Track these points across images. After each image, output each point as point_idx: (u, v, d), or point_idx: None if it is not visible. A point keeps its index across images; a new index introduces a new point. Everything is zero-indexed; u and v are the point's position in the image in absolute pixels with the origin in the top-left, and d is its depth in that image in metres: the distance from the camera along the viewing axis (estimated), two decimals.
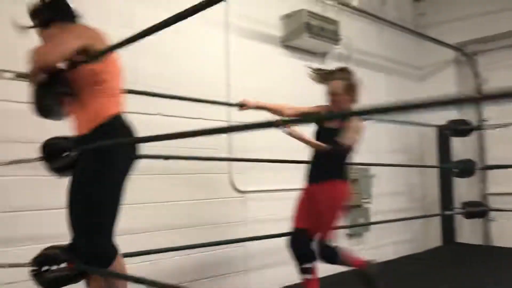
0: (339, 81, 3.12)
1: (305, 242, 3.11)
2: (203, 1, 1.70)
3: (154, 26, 2.00)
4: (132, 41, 2.15)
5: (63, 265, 2.30)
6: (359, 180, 5.03)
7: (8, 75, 2.58)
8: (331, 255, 3.18)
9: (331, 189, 3.08)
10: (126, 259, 2.97)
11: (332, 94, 3.13)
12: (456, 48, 6.15)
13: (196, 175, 3.77)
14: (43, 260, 2.34)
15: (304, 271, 3.07)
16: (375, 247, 5.44)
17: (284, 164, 3.94)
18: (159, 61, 3.59)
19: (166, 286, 2.29)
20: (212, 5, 1.67)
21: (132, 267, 3.06)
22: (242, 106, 3.32)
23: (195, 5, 1.73)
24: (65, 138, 2.44)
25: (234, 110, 4.04)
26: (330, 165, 3.09)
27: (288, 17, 4.62)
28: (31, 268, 2.32)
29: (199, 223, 3.74)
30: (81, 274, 2.32)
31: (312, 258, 3.09)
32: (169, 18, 1.89)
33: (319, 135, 3.16)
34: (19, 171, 2.79)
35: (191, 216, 3.70)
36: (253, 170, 4.10)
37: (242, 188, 4.07)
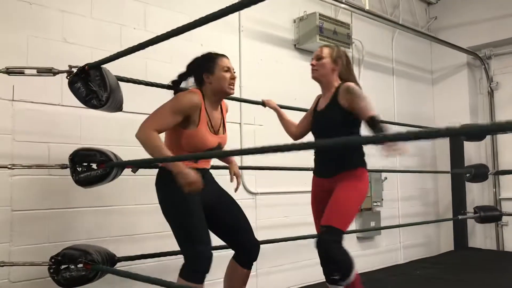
0: (326, 47, 2.90)
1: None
2: (220, 10, 1.74)
3: (169, 32, 2.04)
4: (146, 46, 2.20)
5: (80, 265, 2.35)
6: (370, 184, 5.03)
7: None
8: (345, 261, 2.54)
9: (356, 177, 2.70)
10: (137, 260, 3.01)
11: (316, 59, 2.84)
12: (469, 51, 6.12)
13: None
14: (61, 260, 2.39)
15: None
16: (386, 251, 5.43)
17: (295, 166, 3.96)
18: (171, 63, 3.62)
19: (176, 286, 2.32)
20: (229, 14, 1.70)
21: (137, 268, 3.11)
22: (264, 104, 3.33)
23: (213, 13, 1.77)
24: (99, 151, 2.51)
25: (245, 112, 4.09)
26: (353, 152, 2.74)
27: (300, 20, 4.65)
28: (49, 267, 2.38)
29: None
30: (97, 275, 2.37)
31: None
32: (186, 24, 1.92)
33: (313, 119, 2.92)
34: None
35: None
36: (264, 171, 4.12)
37: (253, 190, 4.09)
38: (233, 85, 2.56)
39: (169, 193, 2.41)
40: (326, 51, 2.85)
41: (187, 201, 2.35)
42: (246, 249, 2.61)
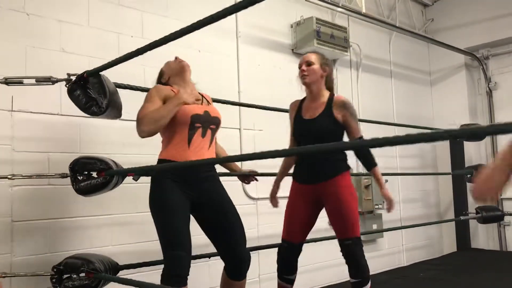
0: (313, 53, 2.93)
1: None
2: (215, 14, 1.74)
3: (166, 36, 2.04)
4: (144, 51, 2.20)
5: (82, 274, 2.34)
6: (371, 186, 5.02)
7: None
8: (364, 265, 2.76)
9: (347, 182, 2.79)
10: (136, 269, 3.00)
11: (307, 64, 2.82)
12: (466, 52, 6.14)
13: None
14: (63, 269, 2.38)
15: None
16: (389, 253, 5.41)
17: None
18: None
19: None
20: (225, 17, 1.70)
21: (139, 276, 3.10)
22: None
23: (208, 17, 1.77)
24: (99, 160, 2.51)
25: (245, 117, 4.09)
26: (338, 157, 2.81)
27: (297, 25, 4.66)
28: (51, 277, 2.37)
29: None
30: (99, 284, 2.36)
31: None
32: (182, 29, 1.93)
33: (298, 126, 2.89)
34: None
35: None
36: (266, 177, 4.10)
37: (254, 195, 4.09)
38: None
39: (155, 195, 2.43)
40: (314, 57, 2.86)
41: (170, 203, 2.36)
42: (232, 263, 2.55)
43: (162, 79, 2.68)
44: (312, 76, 2.81)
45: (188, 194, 2.42)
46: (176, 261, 2.28)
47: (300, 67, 2.87)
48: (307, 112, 2.85)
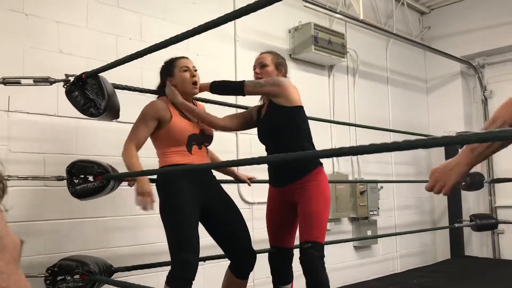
0: (268, 53, 2.80)
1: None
2: (215, 19, 1.75)
3: (166, 40, 2.05)
4: (143, 54, 2.20)
5: (76, 276, 2.33)
6: (366, 192, 5.04)
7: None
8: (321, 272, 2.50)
9: (321, 179, 2.60)
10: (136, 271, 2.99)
11: (260, 66, 2.72)
12: (462, 60, 6.18)
13: None
14: (57, 271, 2.37)
15: None
16: (383, 260, 5.42)
17: None
18: None
19: None
20: (224, 24, 1.72)
21: (134, 279, 3.09)
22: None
23: (208, 22, 1.78)
24: (96, 163, 2.51)
25: None
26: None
27: (296, 30, 4.68)
28: (45, 278, 2.35)
29: (206, 234, 3.75)
30: (94, 286, 2.35)
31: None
32: (183, 33, 1.93)
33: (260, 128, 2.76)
34: None
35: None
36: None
37: (249, 199, 4.08)
38: (196, 84, 2.59)
39: (166, 195, 2.43)
40: (269, 57, 2.76)
41: (182, 205, 2.36)
42: (241, 259, 2.58)
43: (165, 81, 2.63)
44: (265, 78, 2.69)
45: (200, 194, 2.45)
46: (185, 265, 2.29)
47: (254, 69, 2.78)
48: (262, 113, 2.76)
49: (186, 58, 2.65)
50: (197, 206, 2.43)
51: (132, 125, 3.32)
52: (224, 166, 2.90)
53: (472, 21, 6.08)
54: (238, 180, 3.07)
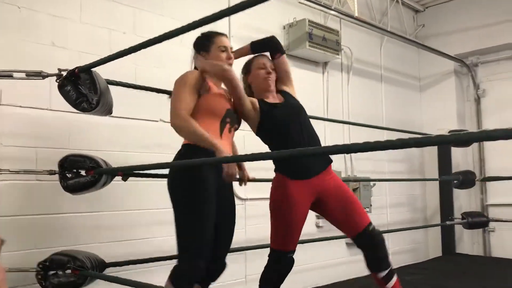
0: (266, 57, 2.74)
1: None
2: (210, 16, 1.74)
3: (160, 36, 2.04)
4: (138, 49, 2.20)
5: (68, 271, 2.32)
6: (359, 190, 5.05)
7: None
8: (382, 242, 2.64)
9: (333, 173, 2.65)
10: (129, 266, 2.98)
11: (270, 71, 2.69)
12: (456, 59, 6.20)
13: None
14: (49, 265, 2.36)
15: None
16: None
17: None
18: (160, 68, 3.61)
19: None
20: (218, 19, 1.72)
21: (126, 273, 3.09)
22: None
23: (202, 18, 1.78)
24: (88, 158, 2.49)
25: None
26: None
27: (290, 26, 4.67)
28: (37, 273, 2.35)
29: None
30: (85, 281, 2.34)
31: None
32: (177, 29, 1.93)
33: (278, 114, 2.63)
34: None
35: None
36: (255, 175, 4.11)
37: (242, 196, 4.08)
38: (230, 66, 2.46)
39: (188, 185, 2.22)
40: (270, 61, 2.72)
41: (206, 206, 2.20)
42: (212, 266, 2.37)
43: (202, 52, 2.48)
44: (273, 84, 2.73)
45: (216, 191, 2.29)
46: (197, 271, 2.18)
47: (264, 67, 2.68)
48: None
49: (225, 36, 2.53)
50: (215, 204, 2.27)
51: (126, 120, 3.34)
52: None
53: (466, 19, 6.10)
54: (239, 178, 2.77)
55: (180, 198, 2.24)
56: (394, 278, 2.60)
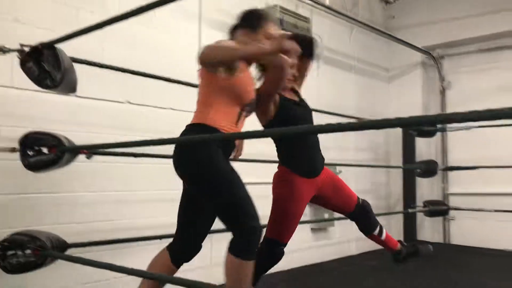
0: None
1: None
2: None
3: (127, 12, 2.01)
4: (102, 26, 2.15)
5: (28, 251, 2.28)
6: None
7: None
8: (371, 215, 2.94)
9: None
10: None
11: (296, 74, 2.74)
12: (423, 51, 6.32)
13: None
14: (8, 245, 2.32)
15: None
16: (340, 242, 5.55)
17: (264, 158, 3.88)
18: (128, 49, 3.55)
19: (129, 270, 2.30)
20: None
21: (88, 255, 3.06)
22: None
23: None
24: (50, 135, 2.42)
25: None
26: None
27: None
28: None
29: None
30: (45, 261, 2.31)
31: None
32: (142, 6, 1.90)
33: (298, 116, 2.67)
34: None
35: None
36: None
37: None
38: None
39: (213, 162, 2.13)
40: None
41: (233, 172, 2.15)
42: (187, 246, 2.37)
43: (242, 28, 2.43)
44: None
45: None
46: (260, 233, 2.08)
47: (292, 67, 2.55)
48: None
49: (275, 24, 2.42)
50: None
51: (92, 100, 3.27)
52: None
53: (434, 12, 6.22)
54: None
55: (211, 176, 2.14)
56: (384, 230, 3.03)
